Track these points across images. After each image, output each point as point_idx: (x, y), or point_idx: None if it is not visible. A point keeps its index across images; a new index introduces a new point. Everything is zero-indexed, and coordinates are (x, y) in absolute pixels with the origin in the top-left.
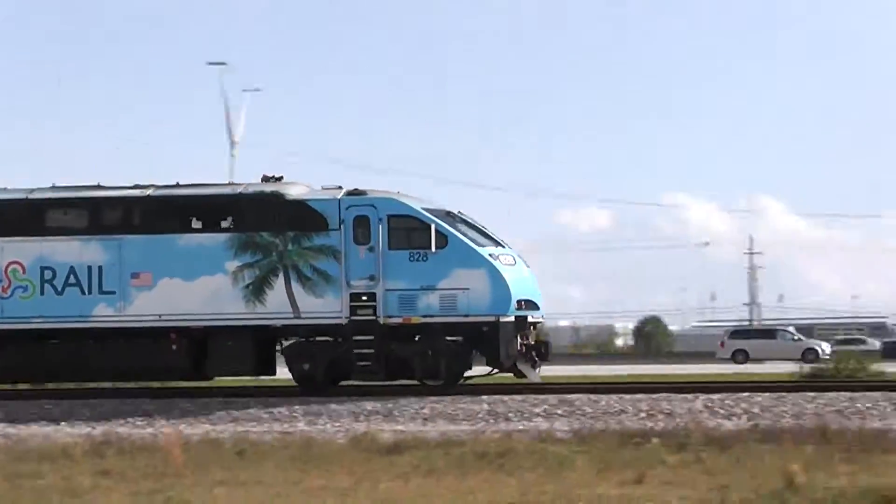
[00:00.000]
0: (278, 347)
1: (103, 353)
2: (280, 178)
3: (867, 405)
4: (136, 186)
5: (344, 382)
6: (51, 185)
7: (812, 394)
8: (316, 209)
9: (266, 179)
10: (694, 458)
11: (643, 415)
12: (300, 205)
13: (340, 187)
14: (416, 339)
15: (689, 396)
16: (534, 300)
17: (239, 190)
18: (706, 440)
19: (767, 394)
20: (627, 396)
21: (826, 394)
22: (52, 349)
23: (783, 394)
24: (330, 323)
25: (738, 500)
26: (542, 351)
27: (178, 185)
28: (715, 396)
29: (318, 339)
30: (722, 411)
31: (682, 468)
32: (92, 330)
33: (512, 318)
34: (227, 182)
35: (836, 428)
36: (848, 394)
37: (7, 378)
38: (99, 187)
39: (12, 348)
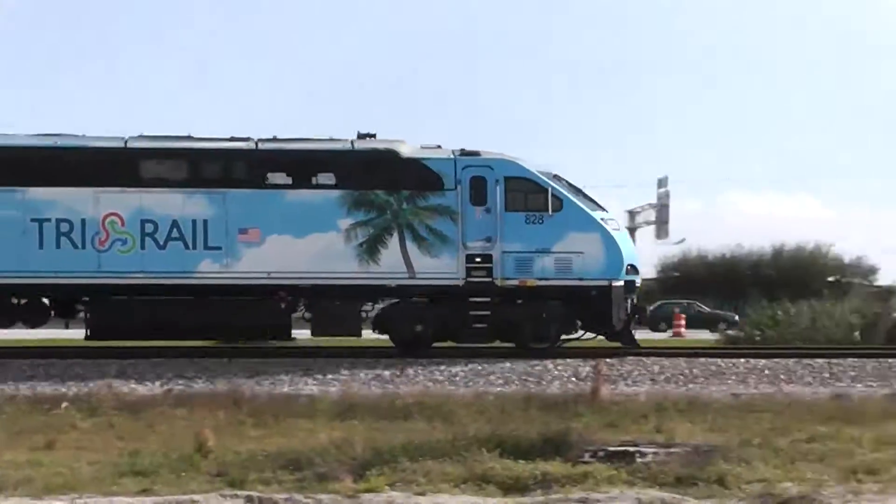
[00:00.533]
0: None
1: (208, 311)
2: (374, 135)
3: (278, 370)
4: (234, 139)
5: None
6: (138, 134)
7: (226, 359)
8: (432, 168)
9: (361, 136)
10: (106, 423)
11: (56, 379)
12: (415, 163)
13: (440, 146)
14: (520, 301)
15: (102, 361)
16: (636, 265)
17: (351, 146)
18: (119, 405)
19: (182, 359)
20: (40, 360)
21: (237, 360)
22: (152, 306)
23: (196, 360)
24: (447, 284)
25: (149, 463)
26: (640, 315)
27: (279, 139)
28: (126, 361)
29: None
30: (136, 377)
31: (93, 433)
32: (196, 286)
33: (622, 283)
34: (327, 137)
35: (249, 393)
36: (259, 359)
37: (103, 335)
38: (192, 138)
39: (109, 304)
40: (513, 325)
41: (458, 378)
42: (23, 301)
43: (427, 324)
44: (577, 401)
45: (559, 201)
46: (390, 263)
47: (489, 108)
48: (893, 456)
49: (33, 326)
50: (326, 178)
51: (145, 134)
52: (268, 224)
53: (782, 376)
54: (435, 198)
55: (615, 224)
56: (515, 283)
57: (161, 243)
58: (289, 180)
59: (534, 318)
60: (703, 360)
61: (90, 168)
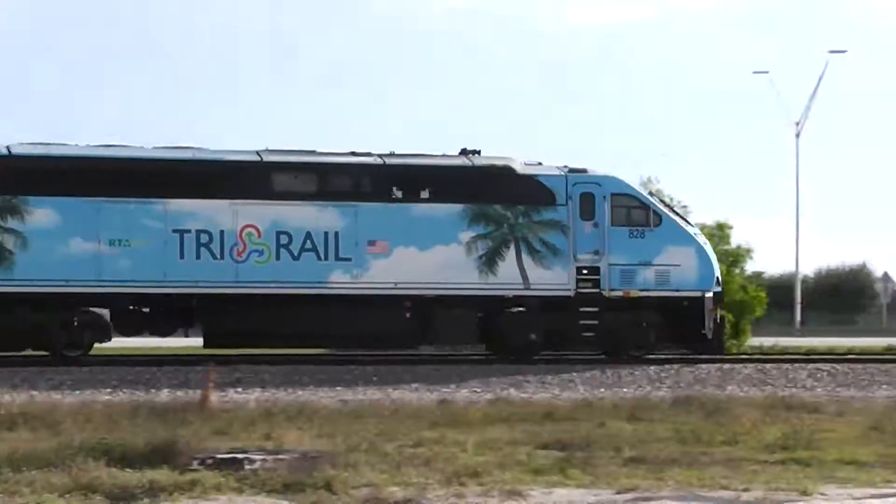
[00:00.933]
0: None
1: (339, 320)
2: (478, 151)
3: None
4: (355, 153)
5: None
6: (264, 147)
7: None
8: (545, 184)
9: (465, 152)
10: None
11: None
12: (530, 180)
13: (540, 163)
14: (619, 312)
15: None
16: (720, 277)
17: (471, 162)
18: None
19: None
20: None
21: None
22: (286, 315)
23: None
24: (558, 295)
25: None
26: (722, 324)
27: (401, 155)
28: None
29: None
30: None
31: None
32: (326, 296)
33: (712, 294)
34: (440, 153)
35: None
36: None
37: (237, 343)
38: (316, 152)
39: (245, 313)
40: (615, 333)
41: (64, 386)
42: (157, 310)
43: (539, 332)
44: (186, 408)
45: (658, 217)
46: (507, 275)
47: None
48: (495, 459)
49: (163, 335)
50: (449, 192)
51: (272, 148)
52: (395, 236)
53: (390, 382)
54: (548, 212)
55: (703, 238)
56: (620, 293)
57: (295, 254)
58: (414, 194)
59: (635, 327)
60: (311, 366)
61: (228, 181)
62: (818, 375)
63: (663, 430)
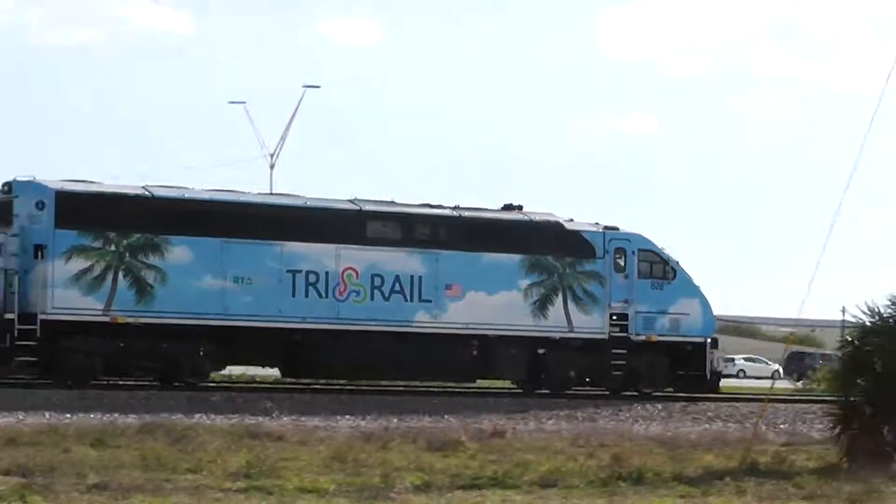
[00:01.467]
0: None
1: (418, 355)
2: (521, 207)
3: None
4: (426, 205)
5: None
6: (352, 196)
7: None
8: (588, 239)
9: (508, 207)
10: None
11: None
12: (576, 235)
13: (572, 219)
14: (636, 354)
15: None
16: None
17: (530, 219)
18: None
19: None
20: None
21: None
22: (376, 350)
23: None
24: (596, 338)
25: None
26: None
27: (470, 208)
28: None
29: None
30: None
31: None
32: (409, 334)
33: (711, 339)
34: (497, 208)
35: None
36: None
37: (332, 374)
38: (395, 203)
39: (342, 347)
40: (636, 373)
41: None
42: (268, 343)
43: (577, 370)
44: None
45: (674, 271)
46: (555, 318)
47: None
48: None
49: (263, 366)
50: (512, 244)
51: (359, 198)
52: (468, 281)
53: None
54: (589, 264)
55: (703, 291)
56: (643, 338)
57: (386, 295)
58: (484, 244)
59: (651, 367)
60: None
61: (333, 226)
62: (284, 403)
63: (129, 456)
